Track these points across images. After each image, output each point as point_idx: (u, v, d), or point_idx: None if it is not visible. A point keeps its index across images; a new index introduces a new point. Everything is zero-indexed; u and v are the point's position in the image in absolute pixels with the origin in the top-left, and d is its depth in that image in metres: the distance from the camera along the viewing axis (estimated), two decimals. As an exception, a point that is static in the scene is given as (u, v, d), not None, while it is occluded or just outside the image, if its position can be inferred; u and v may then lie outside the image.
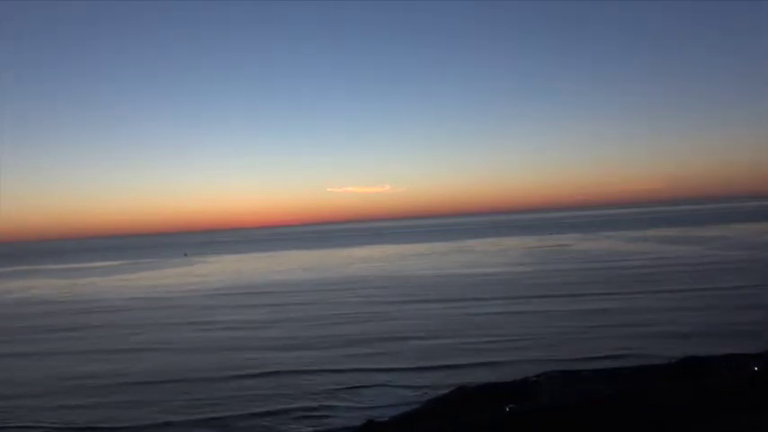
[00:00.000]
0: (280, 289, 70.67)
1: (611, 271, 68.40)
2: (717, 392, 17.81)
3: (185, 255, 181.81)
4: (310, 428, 24.00)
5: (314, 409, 24.81)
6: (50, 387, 31.09)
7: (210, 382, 29.80)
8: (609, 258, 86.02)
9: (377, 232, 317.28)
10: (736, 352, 25.06)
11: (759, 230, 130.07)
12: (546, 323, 39.88)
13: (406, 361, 31.58)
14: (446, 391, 23.80)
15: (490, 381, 24.73)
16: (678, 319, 39.82)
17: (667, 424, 15.95)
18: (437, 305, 50.57)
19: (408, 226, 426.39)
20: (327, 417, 23.98)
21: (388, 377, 28.68)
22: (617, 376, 22.56)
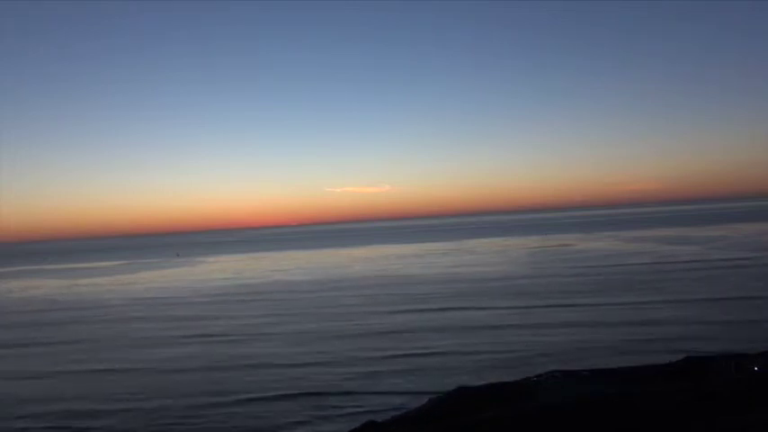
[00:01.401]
0: (276, 296, 66.51)
1: (614, 276, 65.79)
2: (717, 393, 17.80)
3: (177, 255, 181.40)
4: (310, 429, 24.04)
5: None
6: (25, 411, 28.14)
7: (197, 408, 26.91)
8: (610, 259, 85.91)
9: (376, 232, 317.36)
10: (737, 352, 25.03)
11: (759, 230, 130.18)
12: (553, 337, 36.59)
13: (415, 384, 28.48)
14: (446, 391, 23.72)
15: (490, 381, 24.68)
16: (679, 320, 39.91)
17: (668, 424, 15.94)
18: (439, 314, 47.15)
19: (408, 226, 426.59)
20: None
21: (401, 399, 25.80)
22: (617, 376, 22.51)
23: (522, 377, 24.02)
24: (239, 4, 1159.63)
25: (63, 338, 47.38)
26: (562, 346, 34.35)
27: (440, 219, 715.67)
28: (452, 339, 38.00)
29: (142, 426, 25.21)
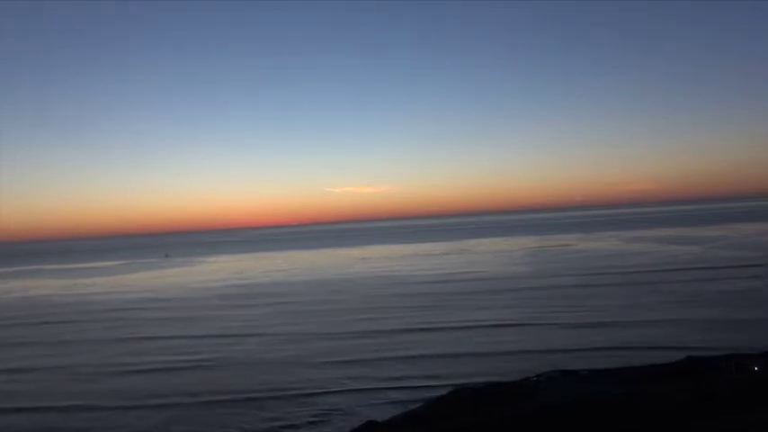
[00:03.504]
0: (266, 308, 57.24)
1: (615, 278, 63.43)
2: (717, 393, 17.77)
3: (167, 256, 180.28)
4: (311, 429, 23.99)
5: None
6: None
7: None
8: (612, 260, 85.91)
9: (376, 233, 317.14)
10: (737, 352, 25.00)
11: (759, 230, 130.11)
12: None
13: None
14: (446, 391, 23.66)
15: (490, 381, 24.62)
16: (680, 320, 39.88)
17: (668, 424, 15.91)
18: (443, 334, 40.02)
19: (408, 226, 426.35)
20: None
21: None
22: (617, 376, 22.48)
23: (521, 377, 23.98)
24: (240, 4, 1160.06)
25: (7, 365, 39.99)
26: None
27: (440, 219, 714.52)
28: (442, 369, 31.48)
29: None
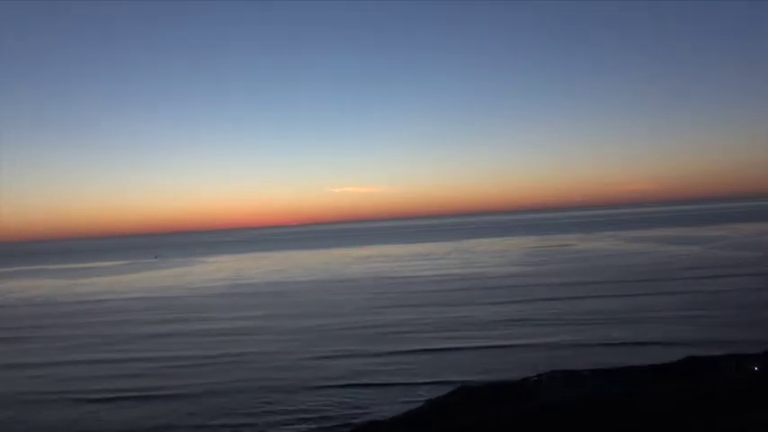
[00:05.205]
0: (266, 319, 51.25)
1: (614, 282, 61.78)
2: (717, 393, 17.80)
3: (156, 257, 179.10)
4: (311, 428, 24.03)
5: None
6: None
7: None
8: (612, 260, 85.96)
9: (376, 233, 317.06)
10: (737, 352, 25.02)
11: (759, 230, 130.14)
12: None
13: None
14: (447, 391, 23.69)
15: (491, 381, 24.65)
16: (679, 320, 39.92)
17: (668, 424, 15.95)
18: (443, 355, 35.09)
19: (408, 226, 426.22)
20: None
21: None
22: (617, 376, 22.51)
23: (522, 377, 23.99)
24: (239, 4, 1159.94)
25: None
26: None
27: (440, 219, 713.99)
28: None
29: None
